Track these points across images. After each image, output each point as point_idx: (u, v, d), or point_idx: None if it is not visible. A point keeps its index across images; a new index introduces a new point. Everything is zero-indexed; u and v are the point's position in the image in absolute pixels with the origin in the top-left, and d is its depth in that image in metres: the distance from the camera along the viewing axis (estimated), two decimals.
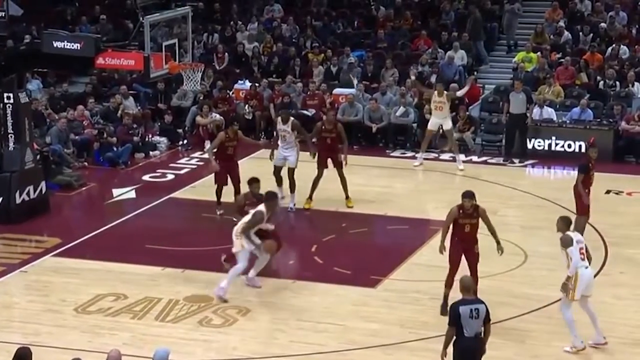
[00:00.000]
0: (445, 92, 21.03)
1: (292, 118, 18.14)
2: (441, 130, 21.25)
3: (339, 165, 17.95)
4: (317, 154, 17.94)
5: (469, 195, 13.24)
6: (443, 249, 13.33)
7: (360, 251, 16.07)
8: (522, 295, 14.10)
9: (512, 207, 18.46)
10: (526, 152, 21.70)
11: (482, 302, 10.54)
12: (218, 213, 17.53)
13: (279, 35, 27.71)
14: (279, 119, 18.09)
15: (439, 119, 20.88)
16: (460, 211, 13.20)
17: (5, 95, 17.18)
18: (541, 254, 15.72)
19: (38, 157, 18.81)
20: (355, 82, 24.59)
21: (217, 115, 23.03)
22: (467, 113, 22.89)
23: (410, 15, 27.70)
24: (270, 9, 29.21)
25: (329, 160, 17.96)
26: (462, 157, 21.15)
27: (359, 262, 15.58)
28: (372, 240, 17.19)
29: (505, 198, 18.91)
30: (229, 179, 17.35)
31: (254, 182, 14.96)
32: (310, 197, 18.06)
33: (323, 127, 18.09)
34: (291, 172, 17.87)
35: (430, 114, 21.29)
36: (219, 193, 17.59)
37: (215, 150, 17.59)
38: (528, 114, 21.74)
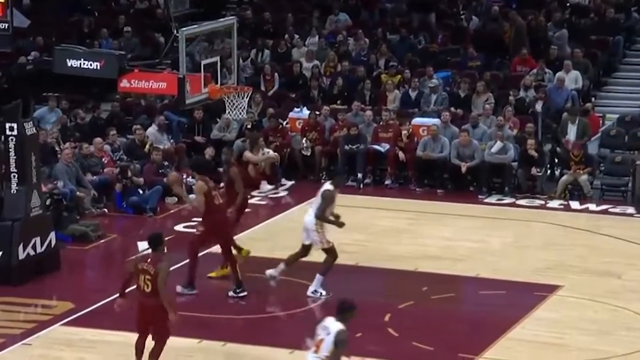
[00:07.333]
0: None
1: None
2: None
3: None
4: None
5: None
6: None
7: (446, 322, 15.98)
8: None
9: None
10: None
11: None
12: (268, 274, 17.23)
13: (345, 51, 27.89)
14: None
15: None
16: None
17: (8, 125, 17.38)
18: None
19: (48, 201, 18.92)
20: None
21: (271, 151, 22.95)
22: (582, 151, 22.75)
23: (509, 27, 27.65)
24: (335, 19, 29.36)
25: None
26: None
27: (444, 336, 15.53)
28: (460, 308, 17.11)
29: (632, 257, 18.72)
30: None
31: None
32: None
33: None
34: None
35: None
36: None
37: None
38: None
